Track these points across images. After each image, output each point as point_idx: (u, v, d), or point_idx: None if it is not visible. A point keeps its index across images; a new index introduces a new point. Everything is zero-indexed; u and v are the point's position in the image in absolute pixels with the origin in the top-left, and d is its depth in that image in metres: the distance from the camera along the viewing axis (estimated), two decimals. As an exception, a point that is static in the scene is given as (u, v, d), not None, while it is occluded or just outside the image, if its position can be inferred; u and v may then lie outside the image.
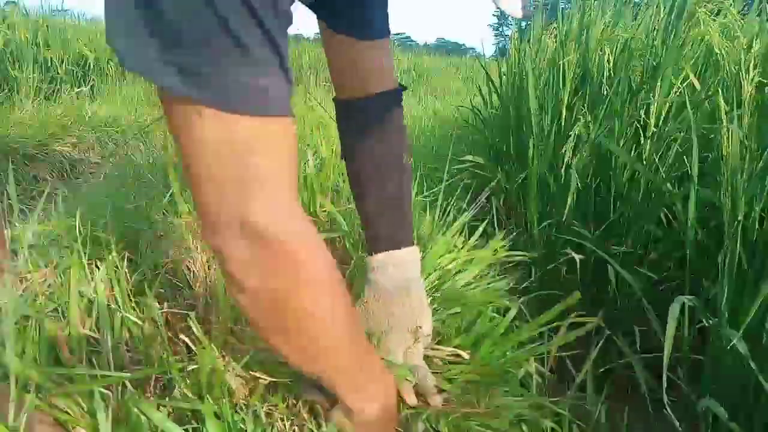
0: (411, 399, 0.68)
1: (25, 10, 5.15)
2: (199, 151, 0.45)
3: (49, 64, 4.64)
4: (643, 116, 1.59)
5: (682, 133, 1.46)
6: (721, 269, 1.07)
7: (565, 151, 1.68)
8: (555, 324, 0.73)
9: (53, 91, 4.16)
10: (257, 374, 0.66)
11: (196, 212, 0.49)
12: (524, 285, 1.26)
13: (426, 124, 3.57)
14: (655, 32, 1.71)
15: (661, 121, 1.54)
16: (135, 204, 1.14)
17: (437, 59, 10.93)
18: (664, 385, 0.87)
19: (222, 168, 0.45)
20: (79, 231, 0.88)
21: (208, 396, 0.61)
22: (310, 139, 1.67)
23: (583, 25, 1.92)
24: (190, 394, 0.63)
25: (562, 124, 1.85)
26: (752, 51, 1.25)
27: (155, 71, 0.42)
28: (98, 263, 0.83)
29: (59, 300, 0.76)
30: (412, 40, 46.65)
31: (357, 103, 0.76)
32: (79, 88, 4.32)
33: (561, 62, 1.89)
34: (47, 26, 5.01)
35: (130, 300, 0.79)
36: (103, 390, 0.58)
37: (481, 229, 1.18)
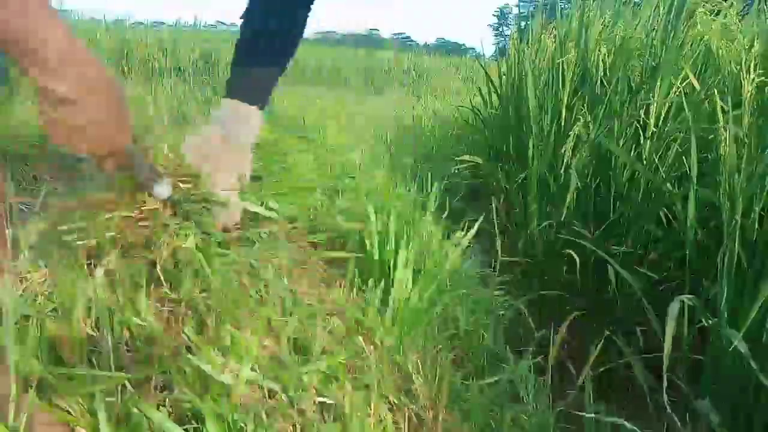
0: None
1: (25, 10, 5.14)
2: None
3: (49, 64, 4.63)
4: (642, 116, 1.59)
5: (681, 133, 1.46)
6: (721, 269, 1.07)
7: (565, 151, 1.68)
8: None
9: (53, 91, 4.15)
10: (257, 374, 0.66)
11: None
12: (524, 285, 1.26)
13: (426, 124, 3.57)
14: (654, 32, 1.71)
15: (660, 121, 1.54)
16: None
17: (437, 59, 10.95)
18: (664, 385, 0.87)
19: None
20: (79, 231, 0.88)
21: (208, 396, 0.61)
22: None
23: (583, 25, 1.92)
24: (190, 394, 0.63)
25: (562, 124, 1.85)
26: (752, 51, 1.25)
27: None
28: (98, 263, 0.83)
29: (59, 300, 0.76)
30: (412, 40, 46.66)
31: None
32: (78, 88, 4.31)
33: (560, 62, 1.89)
34: (47, 26, 5.00)
35: (130, 300, 0.79)
36: (103, 389, 0.59)
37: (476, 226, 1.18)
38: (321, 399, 0.69)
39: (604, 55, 1.84)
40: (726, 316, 1.05)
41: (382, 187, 1.39)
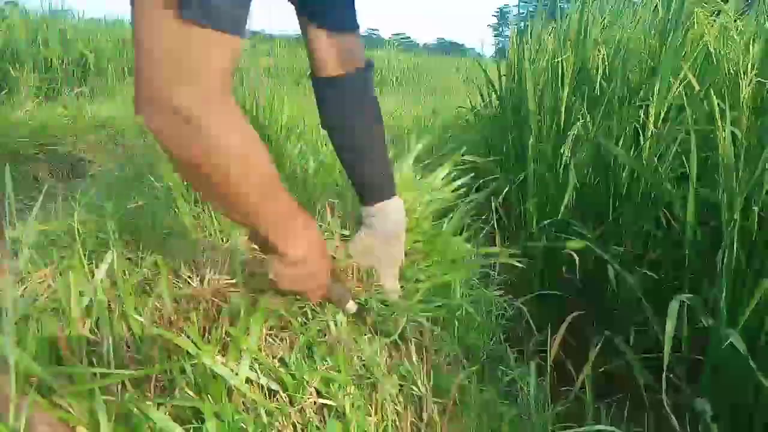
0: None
1: (25, 10, 5.15)
2: (157, 34, 0.53)
3: (49, 64, 4.64)
4: (642, 116, 1.59)
5: (681, 134, 1.46)
6: (720, 269, 1.08)
7: (564, 150, 1.68)
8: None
9: (53, 91, 4.16)
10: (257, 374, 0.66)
11: (135, 86, 0.55)
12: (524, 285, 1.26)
13: (426, 124, 3.57)
14: (653, 32, 1.72)
15: (660, 121, 1.54)
16: (135, 204, 1.14)
17: (437, 59, 10.95)
18: (664, 385, 0.87)
19: (170, 55, 0.53)
20: (79, 231, 0.88)
21: (208, 396, 0.62)
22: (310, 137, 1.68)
23: (582, 25, 1.92)
24: (190, 394, 0.63)
25: (561, 123, 1.85)
26: (750, 52, 1.26)
27: None
28: (98, 263, 0.83)
29: (59, 300, 0.77)
30: (412, 40, 46.63)
31: (338, 79, 0.87)
32: (79, 88, 4.31)
33: (559, 62, 1.89)
34: (47, 26, 5.02)
35: (131, 300, 0.79)
36: (103, 389, 0.59)
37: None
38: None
39: (604, 55, 1.84)
40: (725, 315, 1.05)
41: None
